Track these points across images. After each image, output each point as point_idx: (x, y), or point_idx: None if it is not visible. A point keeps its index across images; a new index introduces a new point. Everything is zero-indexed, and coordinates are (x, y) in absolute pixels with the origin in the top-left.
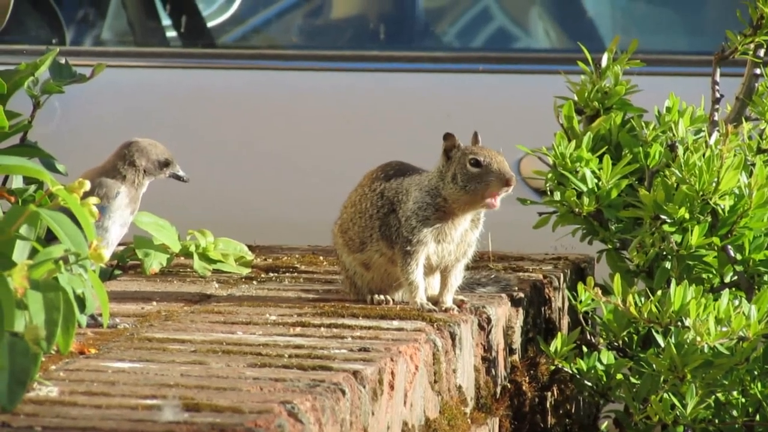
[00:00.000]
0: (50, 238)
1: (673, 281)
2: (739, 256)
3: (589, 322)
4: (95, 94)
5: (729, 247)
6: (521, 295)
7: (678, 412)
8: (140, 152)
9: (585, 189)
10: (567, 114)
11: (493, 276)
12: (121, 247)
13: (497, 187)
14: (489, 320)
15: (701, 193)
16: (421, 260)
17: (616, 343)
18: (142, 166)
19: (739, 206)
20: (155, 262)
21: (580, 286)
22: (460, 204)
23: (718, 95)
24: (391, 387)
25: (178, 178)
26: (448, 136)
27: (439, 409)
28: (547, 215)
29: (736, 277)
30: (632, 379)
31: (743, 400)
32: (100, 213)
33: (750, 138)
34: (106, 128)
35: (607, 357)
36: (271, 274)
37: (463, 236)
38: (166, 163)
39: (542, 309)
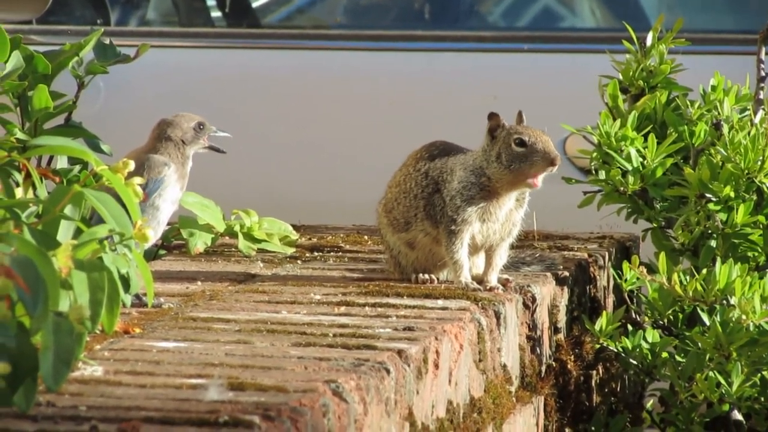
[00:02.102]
0: (97, 220)
1: (719, 260)
2: None
3: (634, 300)
4: (140, 74)
5: None
6: (566, 273)
7: (723, 391)
8: (172, 125)
9: (630, 168)
10: (612, 93)
11: (537, 255)
12: (167, 227)
13: (542, 166)
14: (534, 299)
15: (746, 171)
16: (465, 240)
17: (661, 322)
18: (178, 137)
19: None
20: (200, 242)
21: (625, 265)
22: (505, 183)
23: (763, 74)
24: (436, 366)
25: (216, 148)
26: (492, 116)
27: (483, 388)
28: (592, 194)
29: None
30: (677, 358)
31: None
32: (150, 191)
33: None
34: (150, 109)
35: (653, 335)
36: (316, 254)
37: (508, 215)
38: (200, 126)
39: (587, 288)
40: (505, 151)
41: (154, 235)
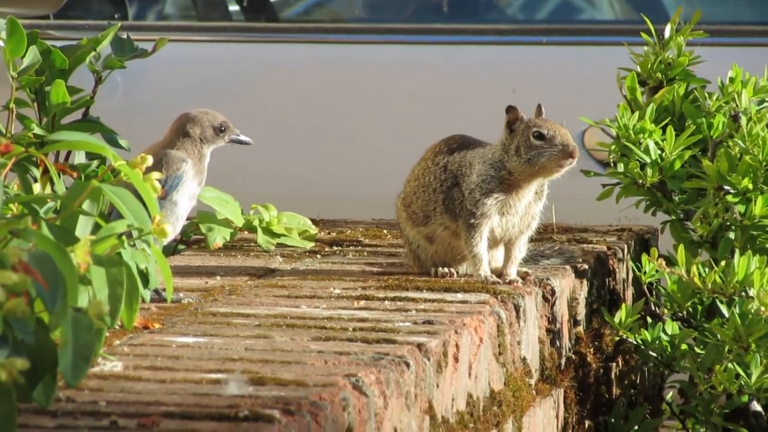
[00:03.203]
0: (116, 215)
1: (737, 251)
2: None
3: (654, 293)
4: (157, 69)
5: None
6: (585, 266)
7: (742, 382)
8: (193, 122)
9: (648, 160)
10: (630, 86)
11: (557, 248)
12: (186, 222)
13: (560, 159)
14: (553, 292)
15: (765, 163)
16: (485, 233)
17: (680, 314)
18: (197, 135)
19: None
20: (219, 237)
21: (644, 257)
22: (524, 176)
23: None
24: (456, 359)
25: (239, 142)
26: (510, 109)
27: (503, 381)
28: (611, 187)
29: None
30: (697, 350)
31: None
32: (169, 187)
33: None
34: (168, 103)
35: (672, 327)
36: (335, 248)
37: (527, 208)
38: (221, 128)
39: (606, 280)
40: (524, 144)
41: (172, 231)
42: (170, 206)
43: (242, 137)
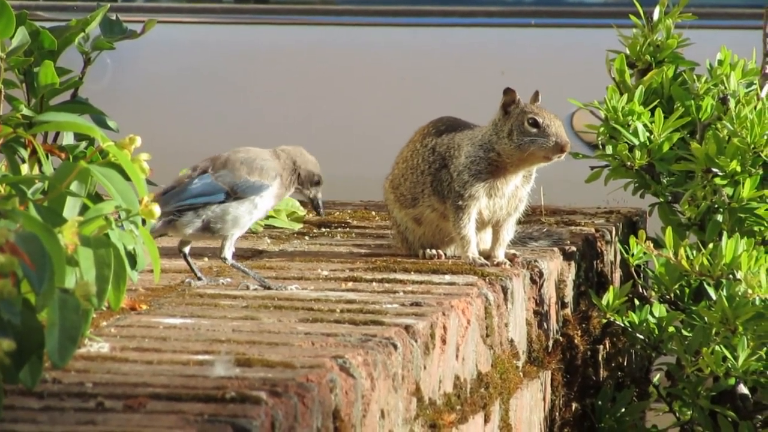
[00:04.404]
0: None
1: (725, 234)
2: None
3: (641, 275)
4: (146, 50)
5: None
6: (573, 248)
7: (729, 365)
8: (303, 160)
9: (637, 143)
10: (619, 68)
11: (545, 230)
12: None
13: (551, 151)
14: (541, 274)
15: (753, 146)
16: (473, 215)
17: (667, 296)
18: (298, 171)
19: None
20: None
21: (632, 240)
22: (513, 160)
23: None
24: (443, 341)
25: (316, 206)
26: (508, 91)
27: (491, 363)
28: (599, 169)
29: None
30: (684, 332)
31: None
32: (259, 190)
33: None
34: (156, 84)
35: (659, 310)
36: (323, 230)
37: (515, 191)
38: (316, 181)
39: (594, 262)
40: (517, 129)
41: (240, 230)
42: (250, 207)
43: (321, 203)
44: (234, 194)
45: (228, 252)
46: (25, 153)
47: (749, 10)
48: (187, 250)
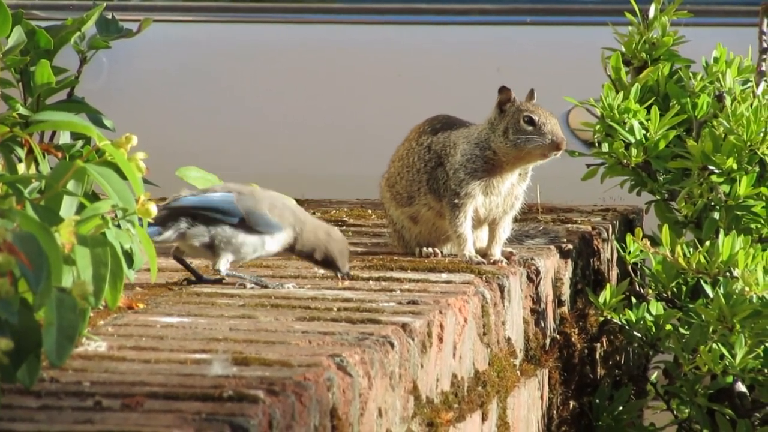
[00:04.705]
0: None
1: (722, 231)
2: None
3: (638, 273)
4: (142, 49)
5: None
6: (570, 246)
7: (727, 362)
8: (336, 244)
9: (633, 140)
10: (615, 65)
11: (541, 228)
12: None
13: (547, 149)
14: (538, 272)
15: (749, 143)
16: (469, 213)
17: (664, 294)
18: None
19: None
20: None
21: (628, 237)
22: (509, 158)
23: (765, 45)
24: (440, 339)
25: (344, 276)
26: (503, 90)
27: (488, 361)
28: (596, 167)
29: None
30: (681, 330)
31: None
32: (272, 229)
33: None
34: (153, 83)
35: (656, 308)
36: None
37: (511, 189)
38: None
39: (591, 260)
40: (513, 127)
41: (239, 259)
42: (259, 248)
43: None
44: (248, 222)
45: (223, 266)
46: (21, 152)
47: (745, 7)
48: (181, 256)
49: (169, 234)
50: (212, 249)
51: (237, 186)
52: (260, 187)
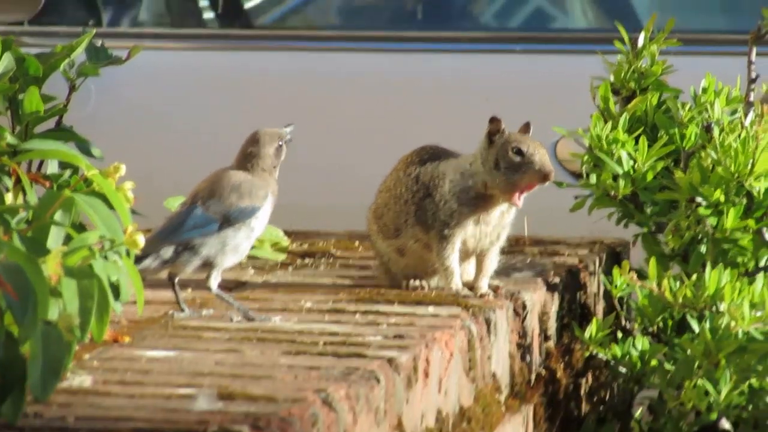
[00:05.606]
0: None
1: (708, 265)
2: None
3: (624, 307)
4: (131, 76)
5: (764, 230)
6: (557, 280)
7: (712, 399)
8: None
9: (621, 171)
10: (603, 95)
11: (528, 261)
12: None
13: (535, 179)
14: (524, 306)
15: (736, 175)
16: (457, 244)
17: (650, 329)
18: (269, 165)
19: None
20: None
21: (615, 271)
22: (497, 189)
23: (754, 75)
24: (426, 374)
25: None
26: (493, 120)
27: (473, 397)
28: (583, 198)
29: None
30: (666, 366)
31: None
32: (252, 214)
33: None
34: (142, 111)
35: (642, 343)
36: (307, 260)
37: (500, 219)
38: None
39: (577, 294)
40: (502, 158)
41: (238, 258)
42: (248, 232)
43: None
44: (227, 222)
45: (214, 282)
46: (9, 182)
47: (734, 36)
48: (176, 279)
49: (148, 262)
50: (209, 266)
51: (194, 188)
52: (211, 177)
